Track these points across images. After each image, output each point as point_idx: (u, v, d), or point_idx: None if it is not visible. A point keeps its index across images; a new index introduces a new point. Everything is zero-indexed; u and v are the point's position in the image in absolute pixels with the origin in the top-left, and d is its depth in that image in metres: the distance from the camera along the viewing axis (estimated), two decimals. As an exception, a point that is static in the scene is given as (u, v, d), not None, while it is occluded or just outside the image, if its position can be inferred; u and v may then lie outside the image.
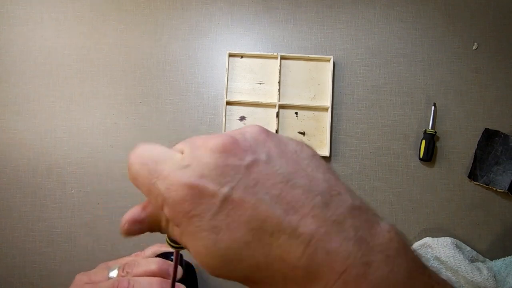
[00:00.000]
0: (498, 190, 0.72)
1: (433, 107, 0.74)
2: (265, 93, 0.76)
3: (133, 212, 0.23)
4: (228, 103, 0.74)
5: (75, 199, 0.73)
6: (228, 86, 0.75)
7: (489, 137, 0.73)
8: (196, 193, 0.19)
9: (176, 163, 0.21)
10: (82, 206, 0.73)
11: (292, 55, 0.75)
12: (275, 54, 0.75)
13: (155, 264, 0.37)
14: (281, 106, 0.74)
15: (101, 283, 0.36)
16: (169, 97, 0.76)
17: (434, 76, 0.76)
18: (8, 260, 0.72)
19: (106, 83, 0.76)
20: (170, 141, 0.74)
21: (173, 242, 0.24)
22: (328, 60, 0.76)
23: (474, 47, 0.77)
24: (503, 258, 0.70)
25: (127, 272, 0.37)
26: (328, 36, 0.77)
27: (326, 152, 0.73)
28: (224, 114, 0.74)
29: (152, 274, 0.36)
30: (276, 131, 0.74)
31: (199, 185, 0.19)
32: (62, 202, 0.73)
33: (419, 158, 0.73)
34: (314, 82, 0.76)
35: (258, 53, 0.75)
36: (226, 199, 0.19)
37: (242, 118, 0.75)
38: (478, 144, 0.73)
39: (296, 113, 0.75)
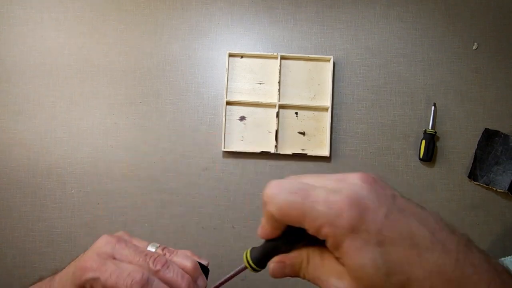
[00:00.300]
0: (498, 190, 0.72)
1: (433, 107, 0.74)
2: (265, 93, 0.76)
3: (278, 258, 0.28)
4: (228, 103, 0.74)
5: (75, 199, 0.73)
6: (228, 86, 0.75)
7: (489, 137, 0.73)
8: (361, 210, 0.22)
9: (324, 189, 0.24)
10: (82, 206, 0.73)
11: (292, 55, 0.75)
12: (275, 54, 0.75)
13: (191, 263, 0.37)
14: (281, 106, 0.74)
15: (143, 249, 0.37)
16: (169, 97, 0.76)
17: (434, 76, 0.76)
18: (8, 260, 0.72)
19: (106, 83, 0.76)
20: (170, 141, 0.74)
21: (254, 263, 0.29)
22: (328, 60, 0.76)
23: (474, 47, 0.77)
24: (503, 258, 0.70)
25: (165, 254, 0.37)
26: (328, 36, 0.77)
27: (326, 152, 0.73)
28: (224, 114, 0.74)
29: (184, 270, 0.36)
30: (276, 131, 0.74)
31: (362, 201, 0.23)
32: (62, 202, 0.73)
33: (419, 158, 0.73)
34: (314, 82, 0.76)
35: (258, 53, 0.75)
36: (387, 217, 0.22)
37: (242, 118, 0.75)
38: (478, 144, 0.73)
39: (296, 113, 0.75)
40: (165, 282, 0.34)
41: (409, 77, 0.76)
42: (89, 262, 0.34)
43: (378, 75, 0.76)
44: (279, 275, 0.28)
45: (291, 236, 0.27)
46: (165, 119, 0.75)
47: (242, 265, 0.30)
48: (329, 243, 0.24)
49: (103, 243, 0.36)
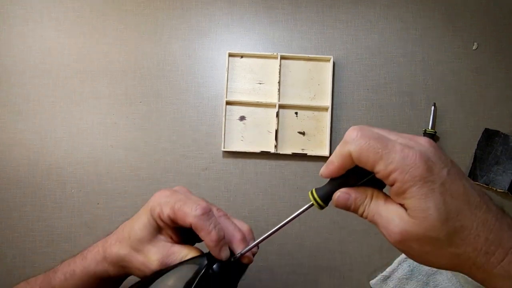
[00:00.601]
0: (498, 190, 0.72)
1: (433, 107, 0.74)
2: (265, 93, 0.76)
3: (345, 189, 0.32)
4: (228, 103, 0.74)
5: (75, 199, 0.73)
6: (228, 86, 0.75)
7: (489, 137, 0.73)
8: (429, 165, 0.27)
9: (399, 143, 0.28)
10: (82, 206, 0.73)
11: (292, 55, 0.75)
12: (275, 54, 0.75)
13: (247, 227, 0.41)
14: (281, 106, 0.74)
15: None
16: (169, 97, 0.76)
17: (434, 76, 0.76)
18: (8, 260, 0.72)
19: (106, 83, 0.76)
20: (170, 141, 0.74)
21: (321, 199, 0.33)
22: (328, 60, 0.76)
23: (474, 47, 0.77)
24: (503, 258, 0.70)
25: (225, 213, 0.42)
26: (328, 36, 0.77)
27: (326, 152, 0.73)
28: (224, 114, 0.74)
29: (238, 231, 0.39)
30: (276, 131, 0.74)
31: (430, 159, 0.28)
32: (62, 202, 0.73)
33: (419, 158, 0.73)
34: (314, 82, 0.76)
35: (258, 53, 0.75)
36: (448, 174, 0.28)
37: (242, 118, 0.75)
38: (478, 144, 0.73)
39: (296, 113, 0.75)
40: (224, 230, 0.38)
41: (409, 77, 0.76)
42: (165, 192, 0.39)
43: (378, 75, 0.76)
44: (342, 205, 0.32)
45: (353, 177, 0.31)
46: (165, 119, 0.75)
47: (308, 204, 0.34)
48: (395, 187, 0.28)
49: (178, 187, 0.41)
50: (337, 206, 0.32)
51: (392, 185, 0.28)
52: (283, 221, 0.36)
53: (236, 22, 0.77)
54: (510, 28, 0.77)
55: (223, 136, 0.73)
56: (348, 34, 0.77)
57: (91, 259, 0.42)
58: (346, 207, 0.32)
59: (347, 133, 0.31)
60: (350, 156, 0.30)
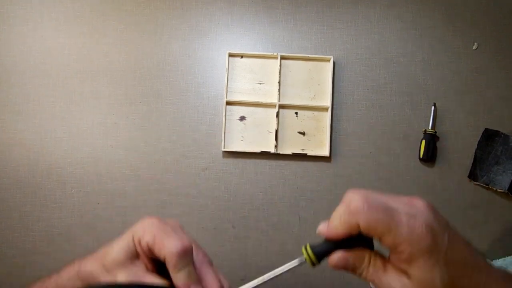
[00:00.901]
0: (498, 190, 0.72)
1: (433, 107, 0.74)
2: (265, 93, 0.76)
3: (343, 253, 0.32)
4: (228, 103, 0.74)
5: (75, 199, 0.73)
6: (228, 86, 0.75)
7: (489, 137, 0.73)
8: (434, 235, 0.28)
9: (403, 213, 0.29)
10: (82, 206, 0.73)
11: (292, 55, 0.75)
12: (275, 54, 0.75)
13: (227, 284, 0.38)
14: (281, 106, 0.74)
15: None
16: (169, 97, 0.76)
17: (434, 76, 0.76)
18: (8, 260, 0.72)
19: (106, 83, 0.76)
20: (170, 141, 0.74)
21: (316, 258, 0.32)
22: (328, 60, 0.76)
23: (474, 47, 0.77)
24: (503, 258, 0.70)
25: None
26: (328, 36, 0.77)
27: (326, 152, 0.73)
28: (224, 114, 0.74)
29: (217, 282, 0.37)
30: (276, 131, 0.74)
31: (434, 228, 0.29)
32: (62, 202, 0.73)
33: (419, 158, 0.73)
34: (314, 82, 0.76)
35: (258, 53, 0.75)
36: (449, 240, 0.29)
37: (242, 118, 0.75)
38: (478, 144, 0.73)
39: (296, 113, 0.75)
40: (202, 276, 0.36)
41: (409, 77, 0.76)
42: (153, 219, 0.37)
43: (378, 75, 0.76)
44: (340, 268, 0.32)
45: (353, 241, 0.31)
46: (165, 119, 0.75)
47: (297, 261, 0.33)
48: (402, 257, 0.29)
49: (171, 220, 0.38)
50: (333, 268, 0.33)
51: (396, 253, 0.29)
52: (270, 272, 0.33)
53: (236, 22, 0.77)
54: (510, 28, 0.77)
55: (223, 136, 0.73)
56: (348, 34, 0.77)
57: (65, 275, 0.41)
58: (344, 270, 0.33)
59: (351, 200, 0.30)
60: (357, 226, 0.30)
